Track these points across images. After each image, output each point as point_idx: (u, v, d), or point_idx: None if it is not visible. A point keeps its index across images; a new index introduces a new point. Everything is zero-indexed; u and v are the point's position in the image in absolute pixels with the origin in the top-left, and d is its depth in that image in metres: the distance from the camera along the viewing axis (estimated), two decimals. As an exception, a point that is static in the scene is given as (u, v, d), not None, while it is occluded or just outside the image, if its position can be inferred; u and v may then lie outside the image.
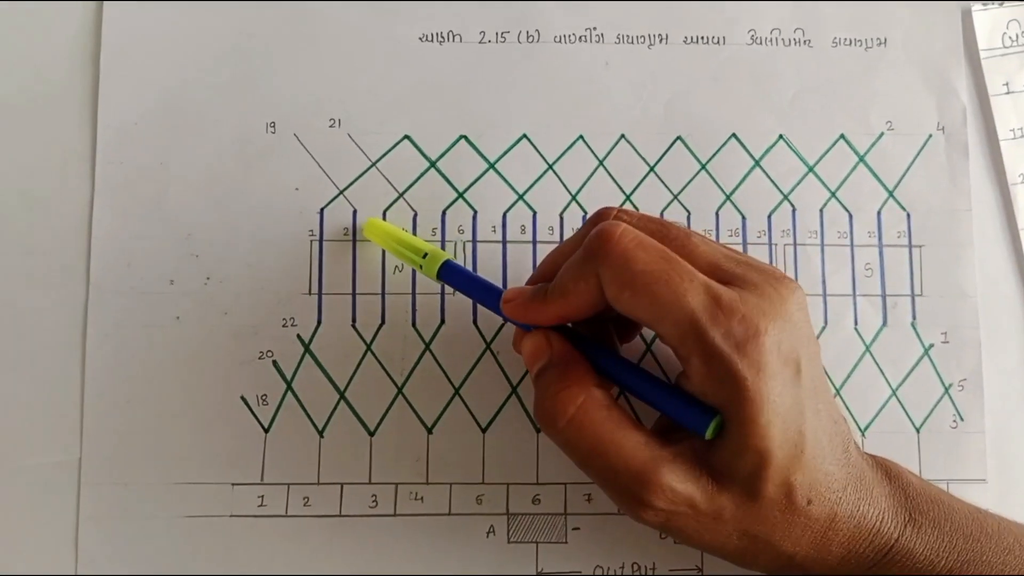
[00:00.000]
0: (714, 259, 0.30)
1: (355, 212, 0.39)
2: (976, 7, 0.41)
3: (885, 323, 0.39)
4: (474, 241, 0.39)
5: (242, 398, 0.38)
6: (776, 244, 0.39)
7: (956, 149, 0.40)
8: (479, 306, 0.38)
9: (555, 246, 0.34)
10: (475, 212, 0.39)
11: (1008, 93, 0.40)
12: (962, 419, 0.39)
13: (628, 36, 0.40)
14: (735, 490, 0.29)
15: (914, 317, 0.39)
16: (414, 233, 0.39)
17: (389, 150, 0.39)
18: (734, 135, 0.40)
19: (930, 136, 0.40)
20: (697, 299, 0.28)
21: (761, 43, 0.40)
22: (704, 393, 0.29)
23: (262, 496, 0.37)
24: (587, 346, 0.32)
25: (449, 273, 0.35)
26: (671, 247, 0.29)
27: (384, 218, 0.39)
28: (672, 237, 0.30)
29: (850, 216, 0.40)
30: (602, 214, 0.32)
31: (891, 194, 0.40)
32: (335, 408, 0.38)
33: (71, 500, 0.37)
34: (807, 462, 0.28)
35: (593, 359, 0.31)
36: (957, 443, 0.39)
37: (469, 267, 0.38)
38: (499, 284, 0.38)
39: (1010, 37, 0.41)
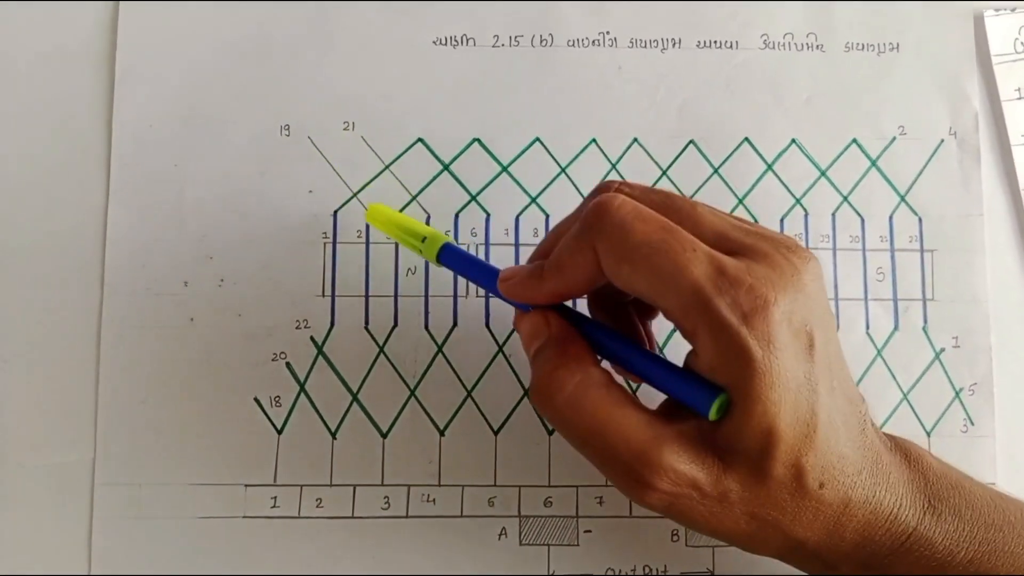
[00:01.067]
0: (721, 229, 0.29)
1: (368, 214, 0.39)
2: (988, 13, 0.41)
3: (897, 327, 0.39)
4: (487, 244, 0.39)
5: (255, 399, 0.38)
6: (788, 248, 0.39)
7: (968, 154, 0.40)
8: (491, 308, 0.38)
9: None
10: (488, 215, 0.39)
11: (1020, 99, 0.41)
12: (972, 423, 0.39)
13: (641, 40, 0.40)
14: (742, 471, 0.27)
15: (925, 321, 0.39)
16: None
17: (403, 153, 0.39)
18: (747, 139, 0.40)
19: (942, 141, 0.40)
20: (700, 269, 0.26)
21: (774, 47, 0.41)
22: (712, 369, 0.27)
23: (275, 497, 0.37)
24: (587, 325, 0.31)
25: (448, 255, 0.34)
26: (676, 218, 0.28)
27: (397, 220, 0.39)
28: (677, 208, 0.29)
29: (862, 220, 0.40)
30: (602, 187, 0.31)
31: (903, 199, 0.40)
32: (348, 410, 0.38)
33: (85, 500, 0.37)
34: (819, 443, 0.27)
35: (593, 338, 0.30)
36: (967, 447, 0.39)
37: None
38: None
39: (1022, 43, 0.41)
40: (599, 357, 0.31)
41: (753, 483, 0.27)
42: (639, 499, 0.29)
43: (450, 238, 0.35)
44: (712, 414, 0.27)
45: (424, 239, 0.35)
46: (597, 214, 0.28)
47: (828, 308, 0.29)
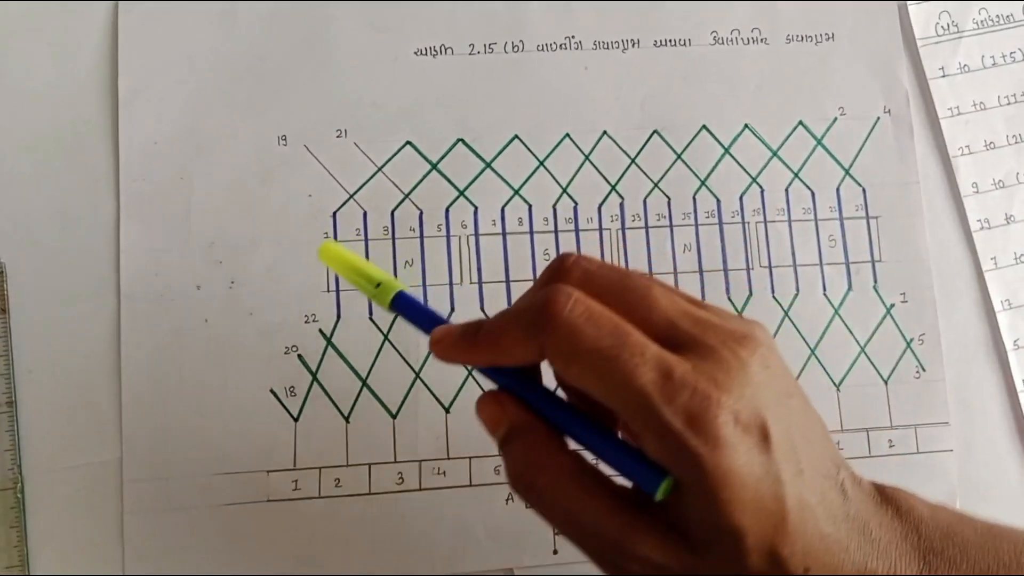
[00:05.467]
0: (672, 317, 0.28)
1: (365, 214, 0.42)
2: (911, 1, 0.46)
3: (850, 288, 0.43)
4: (476, 235, 0.42)
5: (271, 391, 0.40)
6: (748, 223, 0.43)
7: (902, 129, 0.45)
8: (486, 295, 0.42)
9: (549, 236, 0.41)
10: (476, 208, 0.42)
11: (944, 76, 0.45)
12: (924, 369, 0.43)
13: (604, 42, 0.44)
14: (717, 560, 0.27)
15: (876, 281, 0.44)
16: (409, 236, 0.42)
17: (393, 155, 0.43)
18: (704, 126, 0.44)
19: (878, 118, 0.45)
20: (647, 376, 0.26)
21: (723, 43, 0.45)
22: (664, 465, 0.27)
23: (296, 480, 0.40)
24: (542, 400, 0.30)
25: (400, 304, 0.32)
26: (631, 299, 0.28)
27: (392, 219, 0.42)
28: (632, 289, 0.29)
29: (812, 194, 0.44)
30: (559, 267, 0.30)
31: (847, 172, 0.44)
32: (359, 395, 0.41)
33: (115, 497, 0.39)
34: (793, 530, 0.26)
35: (549, 415, 0.30)
36: (921, 391, 0.43)
37: (473, 259, 0.42)
38: (502, 275, 0.42)
39: (942, 27, 0.46)
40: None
41: (732, 571, 0.27)
42: None
43: (404, 286, 0.33)
44: (659, 495, 0.27)
45: (378, 285, 0.33)
46: (547, 314, 0.27)
47: (784, 388, 0.29)
